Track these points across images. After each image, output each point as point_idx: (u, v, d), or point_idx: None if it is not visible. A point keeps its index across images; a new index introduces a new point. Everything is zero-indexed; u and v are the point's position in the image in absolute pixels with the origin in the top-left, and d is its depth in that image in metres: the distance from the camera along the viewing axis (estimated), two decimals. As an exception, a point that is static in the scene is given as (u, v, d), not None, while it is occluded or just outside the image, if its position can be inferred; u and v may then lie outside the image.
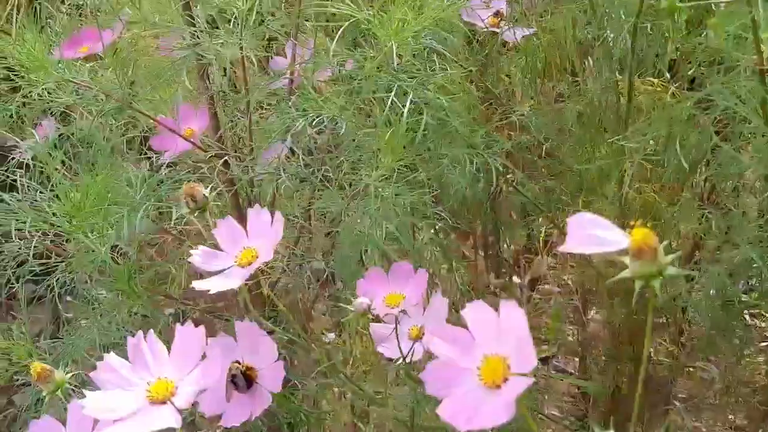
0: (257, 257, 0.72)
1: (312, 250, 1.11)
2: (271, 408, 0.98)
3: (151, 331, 0.63)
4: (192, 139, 1.15)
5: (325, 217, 1.09)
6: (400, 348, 0.82)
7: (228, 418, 0.73)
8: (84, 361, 0.94)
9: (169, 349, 0.63)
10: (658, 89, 1.13)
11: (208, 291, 0.68)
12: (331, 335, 1.25)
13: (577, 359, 1.59)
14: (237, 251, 0.73)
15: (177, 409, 0.59)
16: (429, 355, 0.93)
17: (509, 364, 0.53)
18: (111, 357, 0.63)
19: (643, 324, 1.26)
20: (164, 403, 0.60)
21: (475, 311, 0.55)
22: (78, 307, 1.08)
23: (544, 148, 1.16)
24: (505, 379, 0.53)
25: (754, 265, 0.95)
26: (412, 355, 0.83)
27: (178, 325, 0.62)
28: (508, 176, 1.13)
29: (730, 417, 1.49)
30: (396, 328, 0.81)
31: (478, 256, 1.58)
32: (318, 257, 1.11)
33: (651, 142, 0.93)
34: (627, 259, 0.53)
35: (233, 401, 0.73)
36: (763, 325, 1.55)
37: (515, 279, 1.64)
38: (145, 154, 1.22)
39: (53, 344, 1.03)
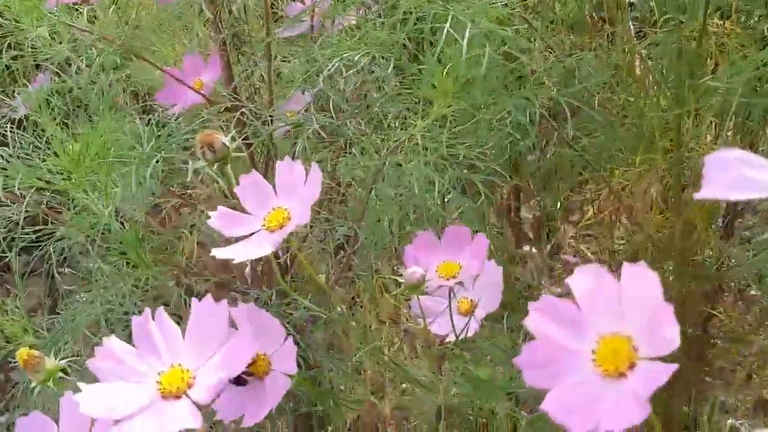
0: (289, 219, 0.60)
1: (340, 214, 0.99)
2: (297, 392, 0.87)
3: (161, 308, 0.50)
4: (202, 92, 1.04)
5: (353, 179, 0.97)
6: (453, 326, 0.70)
7: (247, 419, 0.61)
8: (86, 340, 0.82)
9: (183, 330, 0.51)
10: (729, 33, 1.01)
11: (232, 261, 0.56)
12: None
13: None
14: (265, 212, 0.61)
15: (196, 405, 0.46)
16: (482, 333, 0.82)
17: (636, 346, 0.41)
18: (112, 341, 0.50)
19: (695, 293, 1.16)
20: (179, 397, 0.48)
21: (586, 278, 0.43)
22: (77, 280, 0.96)
23: (597, 97, 1.03)
24: (632, 365, 0.41)
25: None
26: (466, 332, 0.72)
27: (194, 299, 0.49)
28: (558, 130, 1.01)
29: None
30: (450, 302, 0.69)
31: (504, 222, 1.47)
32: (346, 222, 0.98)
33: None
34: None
35: (247, 398, 0.61)
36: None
37: (526, 247, 1.54)
38: (149, 110, 1.10)
39: (51, 320, 0.91)
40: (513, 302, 1.17)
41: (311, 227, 1.01)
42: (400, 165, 0.77)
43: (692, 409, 1.21)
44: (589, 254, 1.72)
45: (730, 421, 1.36)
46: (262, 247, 0.58)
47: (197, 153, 0.62)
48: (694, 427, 1.21)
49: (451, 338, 0.73)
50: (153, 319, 0.51)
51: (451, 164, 0.73)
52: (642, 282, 0.41)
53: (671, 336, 0.39)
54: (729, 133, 1.07)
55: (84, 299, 0.81)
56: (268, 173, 1.02)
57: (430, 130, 0.77)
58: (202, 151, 0.62)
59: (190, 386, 0.48)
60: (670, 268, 1.15)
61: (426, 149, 0.74)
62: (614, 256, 1.43)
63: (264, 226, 0.60)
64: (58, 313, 0.92)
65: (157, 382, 0.48)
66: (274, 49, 1.02)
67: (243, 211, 0.62)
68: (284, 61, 1.09)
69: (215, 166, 0.62)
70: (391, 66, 0.75)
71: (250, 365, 0.60)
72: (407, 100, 0.83)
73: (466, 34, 0.65)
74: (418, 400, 0.88)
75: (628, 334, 0.42)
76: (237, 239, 0.60)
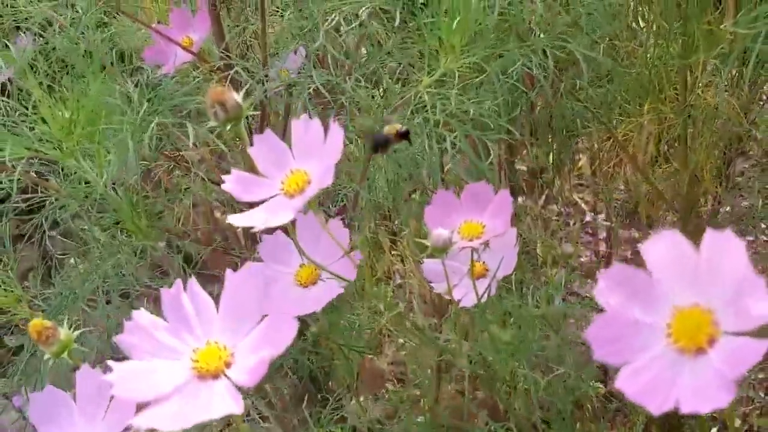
0: (309, 182, 0.56)
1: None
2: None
3: (193, 279, 0.47)
4: (192, 49, 0.99)
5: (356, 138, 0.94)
6: (476, 290, 0.67)
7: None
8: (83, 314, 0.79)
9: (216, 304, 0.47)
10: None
11: (252, 228, 0.53)
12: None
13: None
14: (282, 175, 0.57)
15: (236, 387, 0.43)
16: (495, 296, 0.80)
17: (716, 320, 0.38)
18: (141, 314, 0.47)
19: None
20: (217, 377, 0.44)
21: (661, 244, 0.40)
22: (70, 246, 0.93)
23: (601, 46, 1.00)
24: (712, 341, 0.38)
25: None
26: (487, 295, 0.69)
27: (228, 270, 0.46)
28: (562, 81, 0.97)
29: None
30: (472, 265, 0.66)
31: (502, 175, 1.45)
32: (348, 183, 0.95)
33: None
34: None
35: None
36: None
37: (521, 199, 1.52)
38: (137, 70, 1.05)
39: (43, 293, 0.88)
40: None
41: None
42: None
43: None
44: (582, 204, 1.71)
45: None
46: (282, 213, 0.54)
47: (209, 112, 0.58)
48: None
49: (466, 302, 0.70)
50: (185, 290, 0.47)
51: (461, 121, 0.70)
52: (727, 250, 0.38)
53: (761, 310, 0.36)
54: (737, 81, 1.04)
55: (81, 270, 0.78)
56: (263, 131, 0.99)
57: (437, 86, 0.74)
58: (213, 111, 0.57)
59: (228, 365, 0.44)
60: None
61: (434, 107, 0.71)
62: (612, 206, 1.41)
63: (282, 190, 0.57)
64: (51, 282, 0.89)
65: (193, 360, 0.45)
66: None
67: (257, 174, 0.58)
68: (274, 14, 1.05)
69: (228, 126, 0.57)
70: (398, 18, 0.71)
71: None
72: (410, 55, 0.79)
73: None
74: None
75: (708, 306, 0.39)
76: (253, 204, 0.56)
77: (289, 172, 0.57)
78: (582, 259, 1.68)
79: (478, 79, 0.72)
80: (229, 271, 0.46)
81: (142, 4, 1.10)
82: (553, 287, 0.83)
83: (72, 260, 0.92)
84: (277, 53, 0.94)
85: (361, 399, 1.38)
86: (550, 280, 1.31)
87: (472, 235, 0.68)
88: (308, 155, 0.57)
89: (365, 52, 0.91)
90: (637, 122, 1.03)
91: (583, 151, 1.53)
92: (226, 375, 0.44)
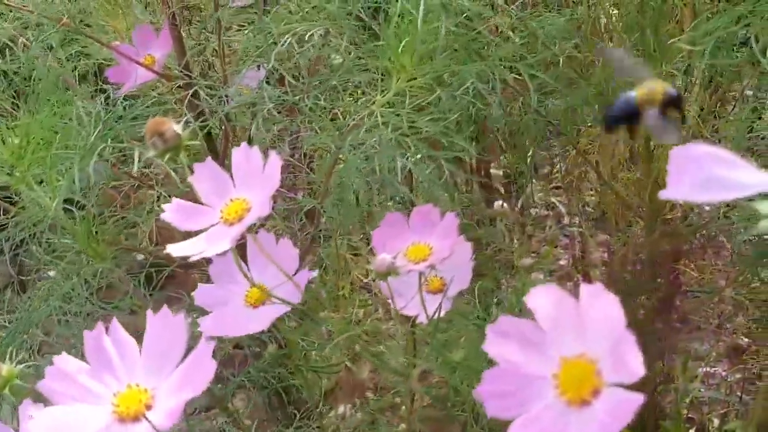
0: (249, 210, 0.56)
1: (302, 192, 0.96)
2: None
3: (115, 320, 0.47)
4: (154, 68, 0.99)
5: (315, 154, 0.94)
6: (425, 309, 0.67)
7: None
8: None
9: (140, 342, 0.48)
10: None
11: (188, 258, 0.53)
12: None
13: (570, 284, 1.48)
14: (222, 204, 0.57)
15: (156, 430, 0.43)
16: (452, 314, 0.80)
17: (599, 370, 0.39)
18: (63, 359, 0.47)
19: (667, 251, 1.14)
20: (137, 419, 0.44)
21: (544, 297, 0.40)
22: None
23: (561, 58, 1.00)
24: (596, 392, 0.39)
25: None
26: (439, 313, 0.69)
27: (149, 311, 0.46)
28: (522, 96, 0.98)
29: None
30: (420, 286, 0.66)
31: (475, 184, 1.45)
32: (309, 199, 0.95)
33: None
34: (762, 207, 0.38)
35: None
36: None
37: (505, 205, 1.52)
38: (101, 89, 1.05)
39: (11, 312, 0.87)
40: (483, 267, 1.16)
41: (273, 204, 0.97)
42: (362, 144, 0.74)
43: (666, 364, 1.21)
44: (560, 207, 1.72)
45: (704, 369, 1.37)
46: (220, 242, 0.55)
47: (147, 143, 0.58)
48: (667, 381, 1.21)
49: (422, 319, 0.71)
50: (107, 332, 0.47)
51: (415, 139, 0.70)
52: (602, 303, 0.39)
53: (635, 365, 0.37)
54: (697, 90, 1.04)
55: (38, 294, 0.78)
56: (227, 151, 0.99)
57: (392, 104, 0.74)
58: (152, 141, 0.57)
59: (148, 408, 0.45)
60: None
61: (386, 125, 0.71)
62: (585, 210, 1.42)
63: (222, 218, 0.57)
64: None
65: (113, 404, 0.45)
66: (226, 20, 0.98)
67: (199, 202, 0.59)
68: (240, 29, 1.05)
69: (166, 157, 0.58)
70: (344, 42, 0.71)
71: None
72: (366, 74, 0.79)
73: (421, 5, 0.62)
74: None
75: (592, 356, 0.39)
76: (194, 233, 0.56)
77: (229, 200, 0.57)
78: (561, 262, 1.68)
79: (433, 96, 0.72)
80: (149, 313, 0.46)
81: (108, 21, 1.09)
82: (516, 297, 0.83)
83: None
84: (240, 70, 0.93)
85: (341, 408, 1.38)
86: (521, 285, 1.31)
87: (419, 257, 0.68)
88: (248, 183, 0.57)
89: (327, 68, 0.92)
90: (595, 132, 1.03)
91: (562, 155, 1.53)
92: (146, 418, 0.44)
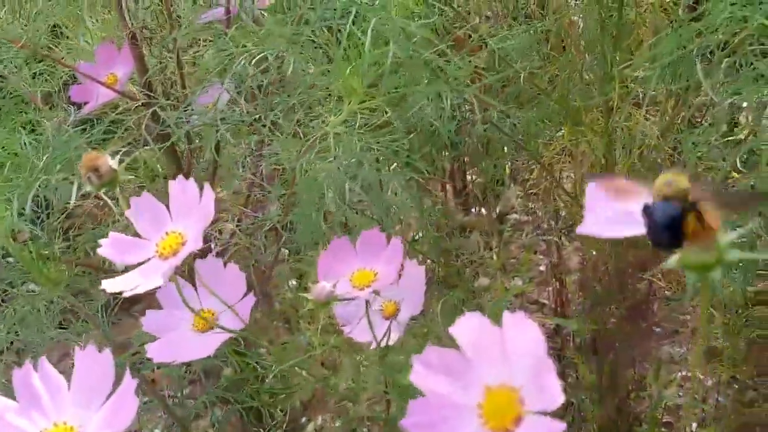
0: (184, 244, 0.56)
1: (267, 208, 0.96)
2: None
3: (44, 359, 0.47)
4: (116, 87, 0.99)
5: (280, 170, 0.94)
6: (374, 335, 0.67)
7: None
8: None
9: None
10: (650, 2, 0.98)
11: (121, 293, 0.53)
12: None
13: (550, 289, 1.49)
14: (158, 237, 0.57)
15: None
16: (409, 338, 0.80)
17: (522, 398, 0.39)
18: None
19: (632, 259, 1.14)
20: None
21: (468, 327, 0.41)
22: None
23: (522, 75, 1.00)
24: (518, 420, 0.39)
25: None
26: (388, 338, 0.69)
27: (77, 348, 0.46)
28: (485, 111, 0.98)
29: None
30: (367, 312, 0.66)
31: (447, 195, 1.46)
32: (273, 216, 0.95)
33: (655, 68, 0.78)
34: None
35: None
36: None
37: (483, 211, 1.53)
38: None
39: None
40: (453, 279, 1.16)
41: (238, 223, 0.97)
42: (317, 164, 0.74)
43: (637, 372, 1.21)
44: (539, 212, 1.72)
45: (680, 373, 1.37)
46: (155, 276, 0.54)
47: (83, 178, 0.58)
48: (640, 388, 1.22)
49: (372, 344, 0.70)
50: (36, 370, 0.47)
51: (371, 159, 0.70)
52: (524, 332, 0.39)
53: (555, 392, 0.37)
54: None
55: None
56: (191, 167, 0.99)
57: (347, 125, 0.74)
58: (87, 177, 0.58)
59: (75, 445, 0.45)
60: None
61: (338, 146, 0.71)
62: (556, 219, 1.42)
63: (157, 252, 0.57)
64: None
65: None
66: (189, 37, 0.98)
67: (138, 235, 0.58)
68: (201, 49, 1.04)
69: (102, 191, 0.58)
70: (291, 65, 0.71)
71: None
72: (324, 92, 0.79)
73: (369, 30, 0.62)
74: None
75: (514, 385, 0.40)
76: (131, 267, 0.56)
77: (165, 233, 0.57)
78: (541, 268, 1.68)
79: (386, 117, 0.72)
80: (77, 349, 0.46)
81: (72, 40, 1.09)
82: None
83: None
84: (201, 90, 0.93)
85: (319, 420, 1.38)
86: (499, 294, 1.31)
87: (364, 283, 0.67)
88: (185, 216, 0.57)
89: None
90: (559, 146, 1.04)
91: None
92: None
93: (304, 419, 1.16)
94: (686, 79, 0.85)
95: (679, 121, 1.02)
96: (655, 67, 0.74)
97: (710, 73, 0.72)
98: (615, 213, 0.39)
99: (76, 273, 0.83)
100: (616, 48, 0.93)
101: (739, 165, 0.78)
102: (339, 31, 0.71)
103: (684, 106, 1.04)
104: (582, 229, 0.39)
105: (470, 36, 0.88)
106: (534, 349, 0.39)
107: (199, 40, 1.07)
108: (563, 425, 0.37)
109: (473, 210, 1.56)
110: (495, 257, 1.38)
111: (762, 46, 0.73)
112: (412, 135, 0.80)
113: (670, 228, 0.38)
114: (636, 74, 0.86)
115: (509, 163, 1.42)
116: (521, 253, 1.66)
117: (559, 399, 0.37)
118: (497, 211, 1.63)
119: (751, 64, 0.69)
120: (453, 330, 0.41)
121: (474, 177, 1.55)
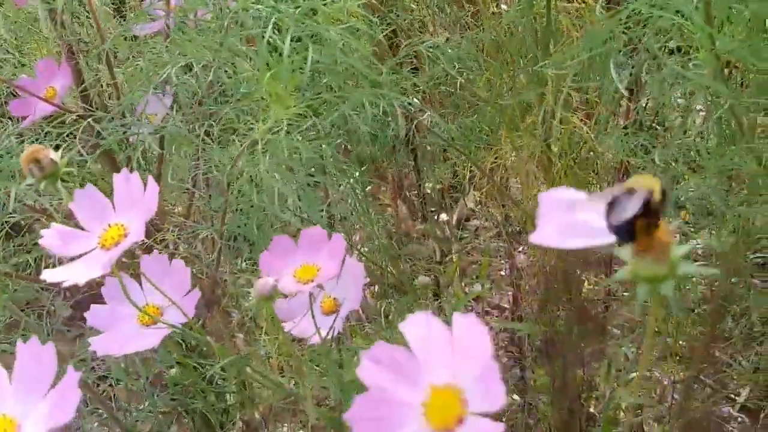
0: (126, 236, 0.57)
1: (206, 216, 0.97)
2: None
3: None
4: (55, 100, 1.00)
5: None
6: (318, 328, 0.69)
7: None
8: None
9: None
10: (580, 6, 1.01)
11: (62, 283, 0.53)
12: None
13: (510, 293, 1.51)
14: (101, 229, 0.58)
15: None
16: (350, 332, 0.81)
17: (466, 399, 0.40)
18: None
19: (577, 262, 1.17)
20: None
21: (418, 325, 0.41)
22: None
23: (458, 82, 1.03)
24: (460, 420, 0.40)
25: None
26: (332, 333, 0.71)
27: (19, 342, 0.47)
28: (421, 117, 1.00)
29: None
30: (311, 305, 0.68)
31: (398, 202, 1.47)
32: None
33: (575, 66, 0.80)
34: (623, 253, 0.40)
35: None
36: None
37: (443, 216, 1.55)
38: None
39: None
40: (405, 285, 1.17)
41: (178, 234, 0.98)
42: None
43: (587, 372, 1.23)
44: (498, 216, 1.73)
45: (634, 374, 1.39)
46: (96, 266, 0.55)
47: (24, 170, 0.59)
48: (591, 389, 1.24)
49: (315, 340, 0.72)
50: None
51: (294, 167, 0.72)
52: (472, 334, 0.40)
53: (498, 394, 0.38)
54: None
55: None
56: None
57: (274, 132, 0.75)
58: (29, 169, 0.59)
59: (15, 436, 0.45)
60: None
61: (264, 153, 0.73)
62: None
63: (99, 243, 0.58)
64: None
65: None
66: (128, 50, 0.99)
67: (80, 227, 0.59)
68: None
69: (43, 184, 0.59)
70: (212, 73, 0.73)
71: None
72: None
73: (288, 37, 0.63)
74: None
75: (459, 385, 0.40)
76: (74, 258, 0.57)
77: (107, 225, 0.58)
78: (503, 273, 1.70)
79: (309, 123, 0.74)
80: (19, 343, 0.47)
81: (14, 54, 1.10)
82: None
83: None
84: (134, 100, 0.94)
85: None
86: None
87: (307, 278, 0.69)
88: (128, 208, 0.58)
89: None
90: (498, 152, 1.06)
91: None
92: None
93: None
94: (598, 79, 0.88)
95: (615, 123, 1.05)
96: (570, 65, 0.77)
97: (623, 72, 0.75)
98: (567, 223, 0.40)
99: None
100: (546, 52, 0.96)
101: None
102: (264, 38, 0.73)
103: (618, 108, 1.07)
104: (534, 239, 0.40)
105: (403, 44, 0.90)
106: (480, 351, 0.39)
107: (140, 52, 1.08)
108: (502, 426, 0.38)
109: (431, 216, 1.57)
110: (453, 262, 1.40)
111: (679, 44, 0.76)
112: (339, 141, 0.82)
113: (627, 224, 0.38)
114: (552, 72, 0.89)
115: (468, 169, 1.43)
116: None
117: (502, 401, 0.38)
118: (455, 217, 1.64)
119: (659, 66, 0.72)
120: (402, 327, 0.42)
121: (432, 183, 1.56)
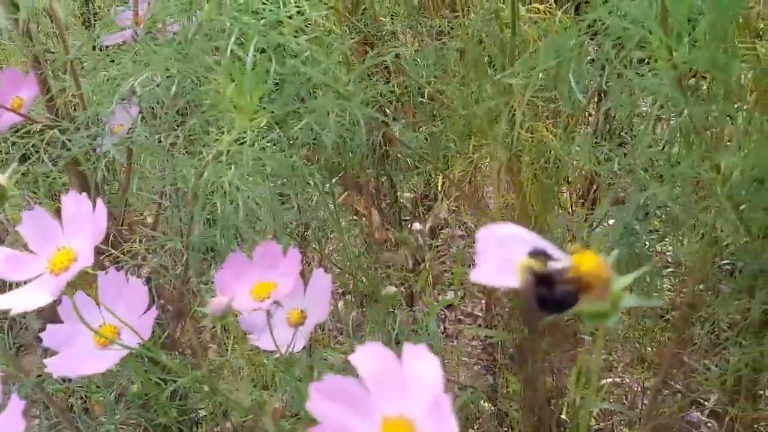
0: (75, 260, 0.57)
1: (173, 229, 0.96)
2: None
3: None
4: (21, 110, 0.99)
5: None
6: (275, 343, 0.68)
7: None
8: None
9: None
10: (546, 17, 1.02)
11: (9, 311, 0.53)
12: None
13: (484, 301, 1.51)
14: (50, 252, 0.57)
15: None
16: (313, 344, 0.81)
17: (417, 430, 0.40)
18: None
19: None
20: None
21: (368, 356, 0.41)
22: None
23: (426, 91, 1.03)
24: None
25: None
26: (293, 346, 0.70)
27: None
28: (386, 128, 1.00)
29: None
30: (269, 320, 0.67)
31: (372, 210, 1.47)
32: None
33: (540, 75, 0.81)
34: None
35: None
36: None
37: (416, 225, 1.55)
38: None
39: None
40: (377, 294, 1.17)
41: (146, 246, 0.98)
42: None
43: (556, 379, 1.24)
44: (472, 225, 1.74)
45: (609, 380, 1.40)
46: (45, 292, 0.54)
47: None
48: (560, 395, 1.24)
49: (279, 353, 0.71)
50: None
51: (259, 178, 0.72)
52: (423, 364, 0.39)
53: (449, 425, 0.38)
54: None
55: None
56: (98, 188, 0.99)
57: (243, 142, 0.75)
58: (-25, 191, 0.58)
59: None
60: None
61: (229, 164, 0.73)
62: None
63: (48, 268, 0.57)
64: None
65: None
66: (92, 60, 0.98)
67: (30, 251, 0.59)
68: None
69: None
70: (174, 86, 0.73)
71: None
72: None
73: (251, 49, 0.63)
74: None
75: (411, 417, 0.40)
76: (23, 283, 0.56)
77: (56, 249, 0.57)
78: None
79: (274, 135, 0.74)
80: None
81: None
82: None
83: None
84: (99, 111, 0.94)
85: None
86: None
87: (263, 295, 0.68)
88: (77, 231, 0.58)
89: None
90: (467, 160, 1.07)
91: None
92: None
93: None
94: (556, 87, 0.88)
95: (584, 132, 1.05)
96: (534, 75, 0.77)
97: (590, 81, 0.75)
98: (507, 260, 0.40)
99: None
100: (512, 61, 0.96)
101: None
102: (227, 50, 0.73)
103: (585, 116, 1.08)
104: (474, 277, 0.40)
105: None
106: (431, 381, 0.39)
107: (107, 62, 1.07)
108: None
109: (404, 225, 1.57)
110: (425, 271, 1.40)
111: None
112: (307, 152, 0.81)
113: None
114: (516, 82, 0.89)
115: (440, 178, 1.44)
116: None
117: (453, 430, 0.38)
118: (428, 225, 1.64)
119: (620, 74, 0.72)
120: (353, 359, 0.41)
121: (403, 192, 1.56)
